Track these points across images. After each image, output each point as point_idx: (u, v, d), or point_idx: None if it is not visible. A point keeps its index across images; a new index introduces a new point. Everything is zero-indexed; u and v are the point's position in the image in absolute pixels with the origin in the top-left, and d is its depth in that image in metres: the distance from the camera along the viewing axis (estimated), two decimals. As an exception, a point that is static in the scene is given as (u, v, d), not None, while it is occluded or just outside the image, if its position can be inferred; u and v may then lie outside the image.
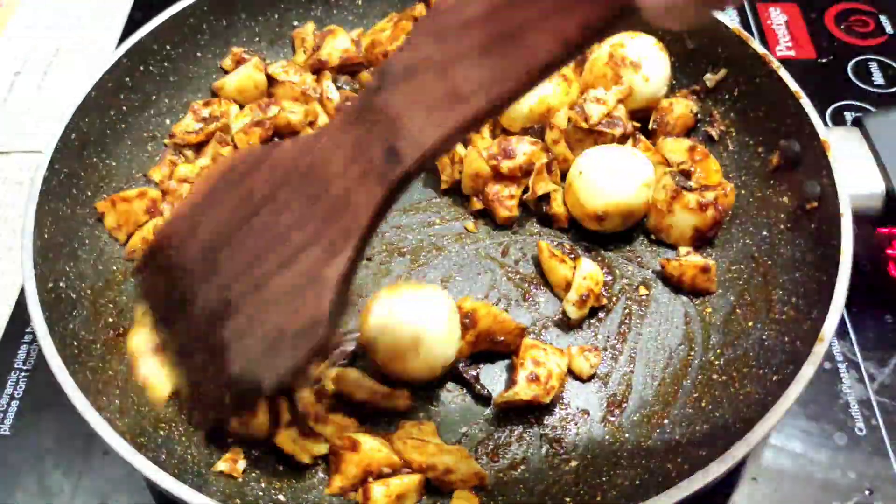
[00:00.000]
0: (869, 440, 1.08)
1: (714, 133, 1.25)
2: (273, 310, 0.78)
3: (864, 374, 1.14)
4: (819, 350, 0.90)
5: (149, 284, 0.89)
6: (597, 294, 1.12)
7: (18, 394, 1.16)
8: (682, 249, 1.17)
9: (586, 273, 1.11)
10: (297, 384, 1.02)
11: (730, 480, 1.02)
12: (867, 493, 1.04)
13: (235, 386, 0.81)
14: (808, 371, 0.89)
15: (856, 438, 1.09)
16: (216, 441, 1.02)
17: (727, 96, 1.25)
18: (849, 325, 1.19)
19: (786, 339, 1.01)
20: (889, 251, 1.23)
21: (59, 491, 1.06)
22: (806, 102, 1.10)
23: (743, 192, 1.20)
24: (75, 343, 1.01)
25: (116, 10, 1.72)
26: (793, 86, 1.12)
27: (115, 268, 1.16)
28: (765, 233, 1.15)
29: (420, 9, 1.40)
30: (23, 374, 1.18)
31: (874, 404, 1.12)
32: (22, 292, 1.20)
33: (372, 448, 0.95)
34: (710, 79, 1.26)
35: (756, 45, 1.17)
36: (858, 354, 1.16)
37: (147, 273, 0.89)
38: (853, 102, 1.47)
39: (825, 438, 1.09)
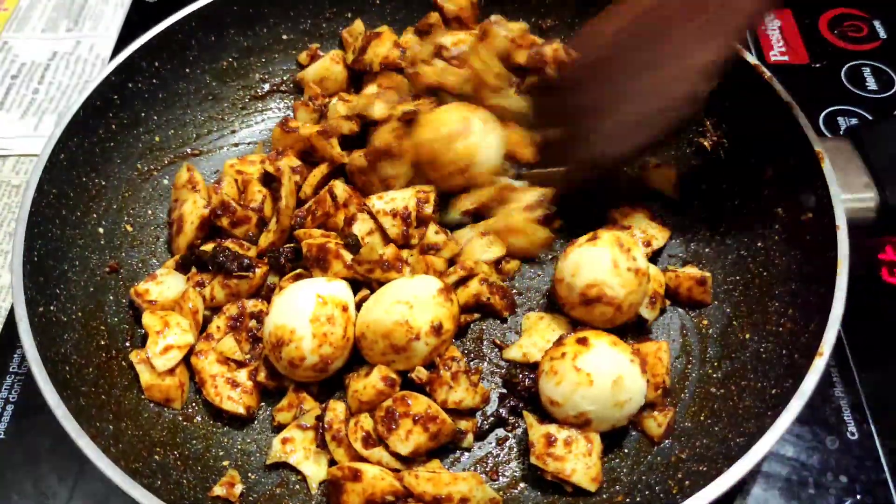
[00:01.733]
0: (861, 444, 1.09)
1: (707, 143, 1.25)
2: (647, 98, 1.09)
3: (857, 378, 1.15)
4: (819, 364, 0.90)
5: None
6: (662, 295, 1.13)
7: (14, 398, 1.17)
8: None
9: (651, 276, 1.11)
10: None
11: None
12: (859, 496, 1.04)
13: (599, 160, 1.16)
14: (808, 386, 0.89)
15: (848, 442, 1.09)
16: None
17: (719, 107, 1.24)
18: (841, 329, 1.18)
19: (783, 351, 1.01)
20: (882, 256, 1.24)
21: (55, 494, 1.06)
22: (799, 113, 1.10)
23: (737, 202, 1.20)
24: (67, 368, 1.00)
25: (113, 15, 1.72)
26: (785, 96, 1.12)
27: (105, 289, 1.14)
28: (759, 244, 1.14)
29: (435, 17, 1.39)
30: (18, 378, 1.18)
31: (866, 409, 1.12)
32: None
33: (375, 476, 0.94)
34: (701, 89, 1.26)
35: (747, 55, 1.17)
36: (850, 358, 1.16)
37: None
38: (846, 107, 1.47)
39: (817, 442, 1.09)
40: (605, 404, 0.97)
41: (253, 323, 1.08)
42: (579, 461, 0.97)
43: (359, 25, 1.41)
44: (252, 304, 1.10)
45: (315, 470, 1.01)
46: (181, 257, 1.17)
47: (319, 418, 1.02)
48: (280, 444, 1.01)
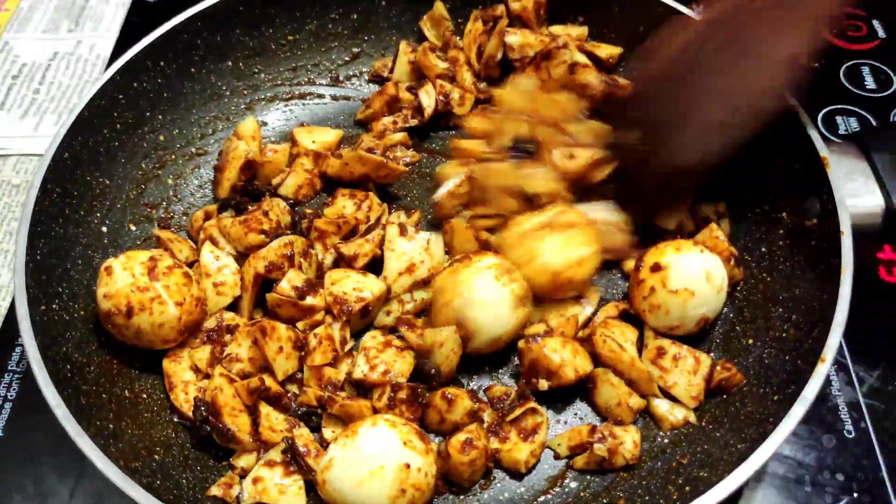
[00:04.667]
0: (858, 442, 1.09)
1: (712, 148, 1.25)
2: (729, 98, 1.03)
3: (854, 376, 1.15)
4: (822, 370, 0.90)
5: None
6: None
7: (12, 396, 1.16)
8: None
9: None
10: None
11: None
12: (856, 495, 1.04)
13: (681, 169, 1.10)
14: (810, 392, 0.89)
15: (845, 441, 1.09)
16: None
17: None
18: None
19: (786, 357, 1.00)
20: (880, 255, 1.23)
21: (55, 493, 1.06)
22: (804, 117, 1.10)
23: (741, 206, 1.19)
24: (68, 367, 1.00)
25: (113, 15, 1.73)
26: (790, 99, 1.12)
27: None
28: (763, 249, 1.14)
29: (501, 9, 1.38)
30: (16, 376, 1.18)
31: (863, 407, 1.12)
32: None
33: None
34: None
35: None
36: (848, 357, 1.17)
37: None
38: (845, 107, 1.48)
39: (814, 441, 1.09)
40: (711, 298, 1.05)
41: (227, 337, 1.07)
42: (682, 377, 1.03)
43: (439, 8, 1.41)
44: (229, 318, 1.09)
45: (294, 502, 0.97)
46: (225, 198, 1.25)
47: (286, 450, 0.98)
48: (252, 485, 0.97)
